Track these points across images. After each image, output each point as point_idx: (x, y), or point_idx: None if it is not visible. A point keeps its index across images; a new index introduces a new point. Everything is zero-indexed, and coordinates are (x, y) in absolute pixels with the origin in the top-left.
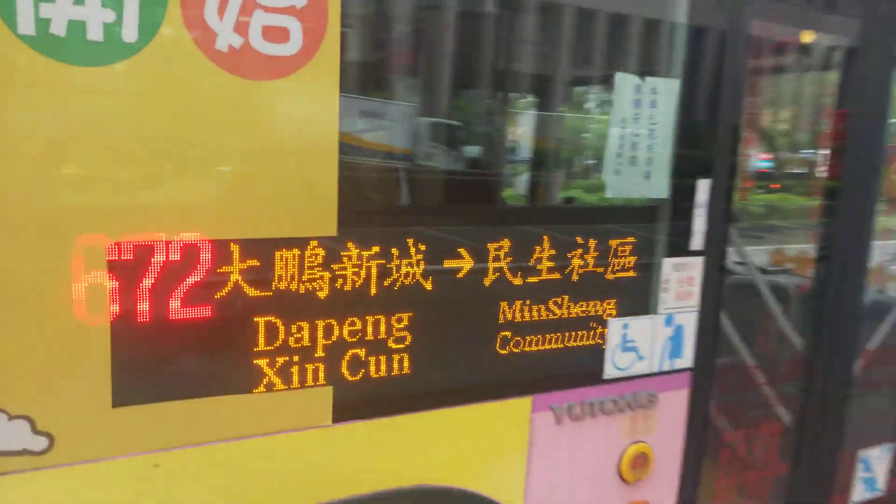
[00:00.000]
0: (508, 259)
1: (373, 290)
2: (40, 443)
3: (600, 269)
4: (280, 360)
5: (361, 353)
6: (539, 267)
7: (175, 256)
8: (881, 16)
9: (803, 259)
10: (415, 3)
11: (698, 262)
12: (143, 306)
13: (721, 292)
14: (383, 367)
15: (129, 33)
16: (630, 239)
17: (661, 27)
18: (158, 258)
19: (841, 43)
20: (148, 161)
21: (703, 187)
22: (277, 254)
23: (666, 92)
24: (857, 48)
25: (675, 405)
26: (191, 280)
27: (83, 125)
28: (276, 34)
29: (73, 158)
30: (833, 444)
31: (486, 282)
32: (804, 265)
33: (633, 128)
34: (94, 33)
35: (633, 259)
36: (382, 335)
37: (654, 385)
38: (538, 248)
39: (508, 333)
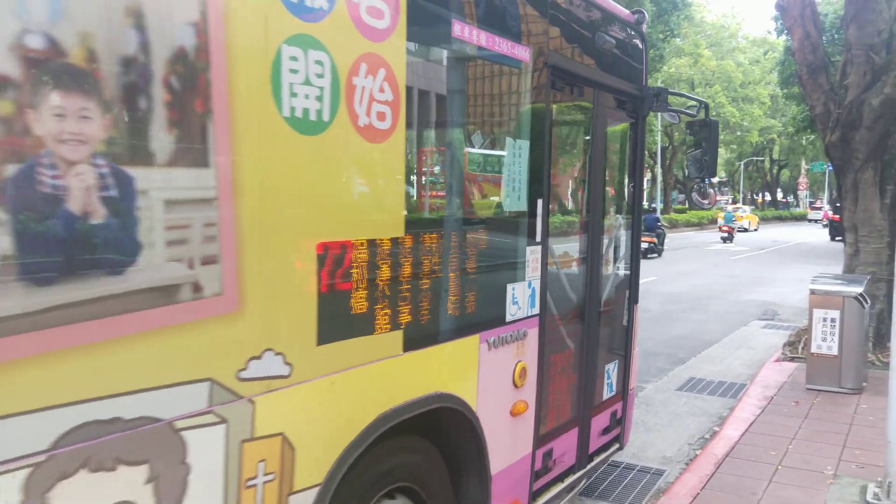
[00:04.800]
0: (470, 252)
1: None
2: (287, 370)
3: (502, 253)
4: (383, 313)
5: (409, 310)
6: (477, 256)
7: (343, 252)
8: None
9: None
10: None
11: (538, 248)
12: (330, 281)
13: (547, 269)
14: (421, 323)
15: (325, 116)
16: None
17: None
18: (337, 253)
19: None
20: (333, 192)
21: (540, 204)
22: (379, 247)
23: (524, 148)
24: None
25: (533, 337)
26: (348, 264)
27: (309, 171)
28: (381, 116)
29: (313, 189)
30: (594, 361)
31: (463, 267)
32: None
33: (514, 169)
34: (313, 116)
35: (515, 248)
36: (421, 302)
37: (525, 325)
38: (477, 245)
39: (469, 296)
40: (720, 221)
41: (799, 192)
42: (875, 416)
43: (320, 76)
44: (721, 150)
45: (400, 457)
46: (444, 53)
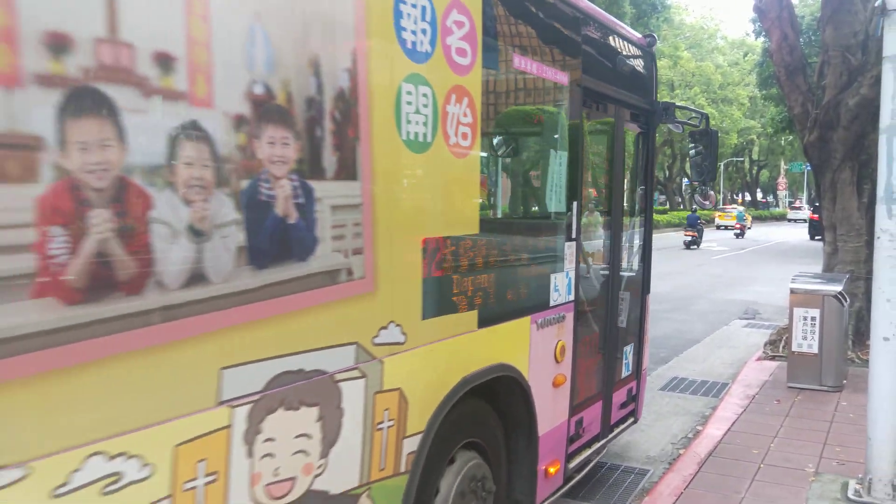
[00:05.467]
0: (524, 246)
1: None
2: (403, 338)
3: (547, 248)
4: (464, 296)
5: (482, 294)
6: (530, 250)
7: (437, 246)
8: None
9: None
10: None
11: (574, 244)
12: (429, 269)
13: (579, 262)
14: (490, 305)
15: (429, 137)
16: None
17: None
18: (434, 247)
19: None
20: (431, 198)
21: (574, 206)
22: (462, 243)
23: (563, 158)
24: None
25: (570, 320)
26: (441, 256)
27: (416, 182)
28: (465, 136)
29: (419, 196)
30: (615, 343)
31: (519, 258)
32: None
33: (556, 176)
34: (421, 138)
35: (556, 244)
36: (490, 287)
37: (564, 309)
38: (529, 241)
39: (523, 283)
40: (717, 220)
41: (778, 192)
42: (855, 414)
43: (426, 106)
44: None
45: (472, 415)
46: (506, 81)
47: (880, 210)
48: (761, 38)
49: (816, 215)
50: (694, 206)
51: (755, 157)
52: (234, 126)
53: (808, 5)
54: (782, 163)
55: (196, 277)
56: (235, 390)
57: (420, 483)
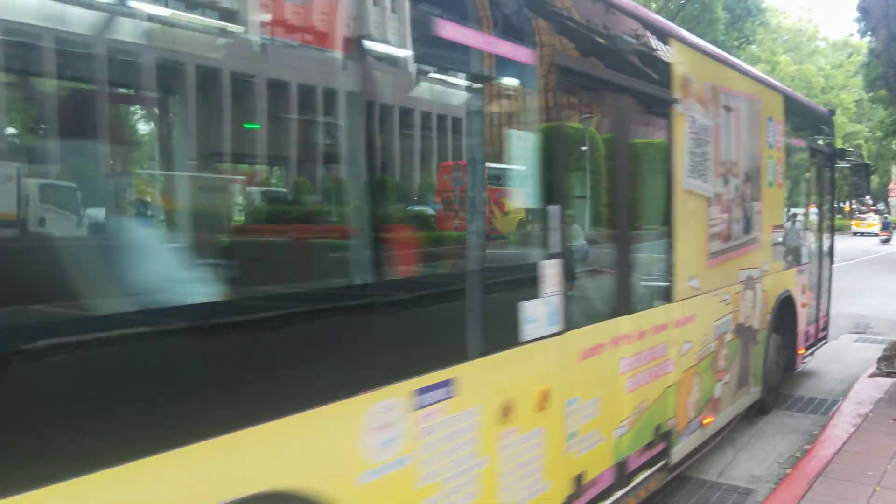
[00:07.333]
0: (795, 230)
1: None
2: (767, 269)
3: (801, 232)
4: (784, 250)
5: (785, 252)
6: (797, 231)
7: (773, 229)
8: None
9: None
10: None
11: (808, 232)
12: (771, 239)
13: (808, 241)
14: (787, 258)
15: (773, 180)
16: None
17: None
18: (771, 229)
19: None
20: (773, 206)
21: (808, 212)
22: (778, 227)
23: (806, 187)
24: None
25: (806, 273)
26: (776, 233)
27: (771, 200)
28: (781, 178)
29: (771, 208)
30: (822, 290)
31: (794, 237)
32: None
33: (805, 196)
34: (771, 181)
35: (804, 229)
36: (787, 249)
37: (805, 267)
38: (792, 227)
39: (795, 252)
40: (854, 228)
41: (890, 199)
42: None
43: (775, 166)
44: None
45: (776, 314)
46: (789, 151)
47: None
48: (867, 38)
49: None
50: (886, 216)
51: None
52: (740, 185)
53: None
54: (893, 168)
55: (733, 237)
56: (740, 279)
57: (770, 335)
